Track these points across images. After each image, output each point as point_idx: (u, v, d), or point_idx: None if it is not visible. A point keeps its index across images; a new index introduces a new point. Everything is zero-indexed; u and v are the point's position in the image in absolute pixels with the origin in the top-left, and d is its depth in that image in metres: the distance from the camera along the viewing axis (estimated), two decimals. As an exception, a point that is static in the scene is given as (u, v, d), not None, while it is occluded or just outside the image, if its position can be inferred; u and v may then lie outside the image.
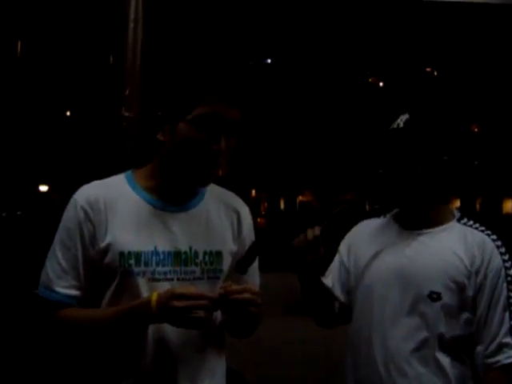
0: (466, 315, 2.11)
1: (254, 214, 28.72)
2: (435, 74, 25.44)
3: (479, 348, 2.10)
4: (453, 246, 2.14)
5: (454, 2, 3.94)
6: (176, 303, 1.64)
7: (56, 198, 25.17)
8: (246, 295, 1.71)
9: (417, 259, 2.14)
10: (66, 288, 1.80)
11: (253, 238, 1.99)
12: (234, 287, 1.71)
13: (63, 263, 1.80)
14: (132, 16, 3.30)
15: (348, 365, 2.26)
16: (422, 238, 2.18)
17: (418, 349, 2.09)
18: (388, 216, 2.35)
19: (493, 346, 2.07)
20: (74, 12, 18.98)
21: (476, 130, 25.78)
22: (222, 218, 1.94)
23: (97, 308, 1.82)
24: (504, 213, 26.61)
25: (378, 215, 2.40)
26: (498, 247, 2.13)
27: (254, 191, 29.57)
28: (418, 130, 2.12)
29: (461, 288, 2.10)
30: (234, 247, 1.94)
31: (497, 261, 2.10)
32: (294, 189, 28.55)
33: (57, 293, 1.80)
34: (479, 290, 2.09)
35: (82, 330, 1.80)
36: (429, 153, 2.12)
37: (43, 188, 27.75)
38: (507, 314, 2.07)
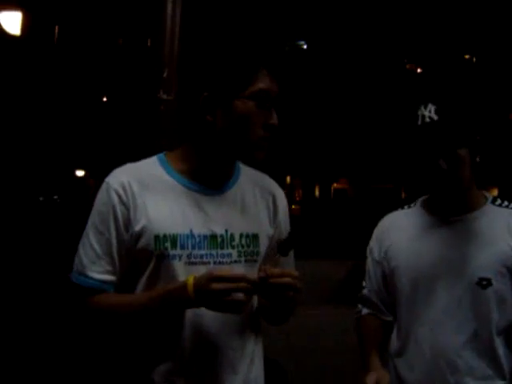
0: (507, 303, 2.04)
1: (289, 201, 28.68)
2: (474, 60, 25.07)
3: None
4: (495, 228, 2.09)
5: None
6: (215, 285, 1.59)
7: (92, 184, 25.48)
8: (287, 279, 1.66)
9: (460, 246, 2.08)
10: (100, 273, 1.76)
11: (288, 221, 1.97)
12: (275, 270, 1.66)
13: (97, 248, 1.77)
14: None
15: (392, 359, 2.20)
16: (459, 224, 2.12)
17: (471, 340, 2.03)
18: (415, 205, 2.28)
19: None
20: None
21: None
22: (257, 201, 1.91)
23: (131, 293, 1.79)
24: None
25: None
26: None
27: (288, 178, 29.54)
28: (453, 120, 2.04)
29: (510, 271, 2.03)
30: (270, 230, 1.91)
31: None
32: (329, 176, 28.44)
33: (91, 278, 1.76)
34: None
35: (117, 316, 1.77)
36: (466, 140, 2.05)
37: (80, 173, 28.11)
38: None
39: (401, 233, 2.23)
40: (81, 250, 1.79)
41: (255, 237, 1.85)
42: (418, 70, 25.51)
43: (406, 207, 2.31)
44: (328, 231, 18.51)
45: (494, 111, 22.28)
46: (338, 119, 24.63)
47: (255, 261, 1.85)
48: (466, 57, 25.02)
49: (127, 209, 1.75)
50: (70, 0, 19.82)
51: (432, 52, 23.52)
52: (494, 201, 2.16)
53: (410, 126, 2.05)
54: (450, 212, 2.14)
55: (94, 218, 1.79)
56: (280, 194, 1.97)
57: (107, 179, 1.80)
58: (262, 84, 1.75)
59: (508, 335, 2.05)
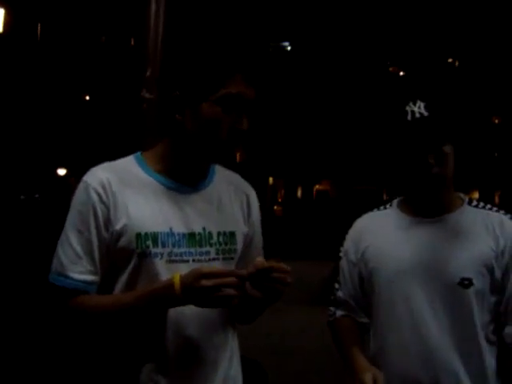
0: (494, 298, 2.06)
1: (271, 202, 28.77)
2: (456, 64, 25.23)
3: (508, 328, 2.06)
4: (474, 229, 2.09)
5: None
6: (204, 282, 1.59)
7: (74, 182, 25.33)
8: (278, 274, 1.66)
9: (440, 247, 2.08)
10: (81, 273, 1.74)
11: (259, 221, 1.99)
12: (267, 265, 1.66)
13: (77, 248, 1.74)
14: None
15: (371, 361, 2.16)
16: (438, 225, 2.12)
17: (454, 340, 2.04)
18: (391, 206, 2.27)
19: None
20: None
21: (496, 121, 25.57)
22: (232, 200, 1.92)
23: (114, 294, 1.77)
24: (523, 206, 26.46)
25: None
26: None
27: (271, 179, 29.57)
28: (442, 116, 2.05)
29: (490, 271, 2.04)
30: (245, 228, 1.92)
31: None
32: (311, 177, 28.50)
33: (71, 279, 1.74)
34: (506, 270, 2.05)
35: (100, 317, 1.75)
36: (453, 137, 2.07)
37: (61, 172, 27.94)
38: None
39: (378, 234, 2.21)
40: (60, 251, 1.76)
41: (232, 235, 1.87)
42: (401, 73, 25.62)
43: (381, 208, 2.30)
44: (310, 232, 18.58)
45: (477, 113, 22.42)
46: (321, 121, 24.69)
47: (232, 258, 1.86)
48: (449, 60, 25.17)
49: (107, 207, 1.74)
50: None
51: (415, 55, 23.64)
52: (470, 202, 2.17)
53: (399, 121, 2.05)
54: (429, 212, 2.14)
55: (73, 218, 1.77)
56: (253, 195, 1.99)
57: (85, 178, 1.79)
58: (233, 89, 1.73)
59: (491, 333, 2.06)
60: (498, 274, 2.04)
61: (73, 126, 22.56)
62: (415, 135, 2.01)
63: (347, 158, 25.30)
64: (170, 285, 1.64)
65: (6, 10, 11.10)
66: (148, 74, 3.27)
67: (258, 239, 2.01)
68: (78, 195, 1.78)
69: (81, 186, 1.78)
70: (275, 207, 27.89)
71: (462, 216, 2.12)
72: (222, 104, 1.73)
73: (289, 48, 25.73)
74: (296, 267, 2.17)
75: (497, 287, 2.05)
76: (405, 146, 2.03)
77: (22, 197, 20.76)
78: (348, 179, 27.27)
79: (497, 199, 26.14)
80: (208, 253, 1.81)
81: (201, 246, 1.80)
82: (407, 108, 2.04)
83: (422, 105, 2.04)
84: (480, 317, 2.04)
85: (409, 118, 2.03)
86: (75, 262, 1.74)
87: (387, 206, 2.28)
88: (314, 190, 29.73)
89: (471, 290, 2.03)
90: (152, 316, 1.72)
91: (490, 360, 2.06)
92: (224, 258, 1.84)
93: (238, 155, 27.07)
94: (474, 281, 2.02)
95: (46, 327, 5.42)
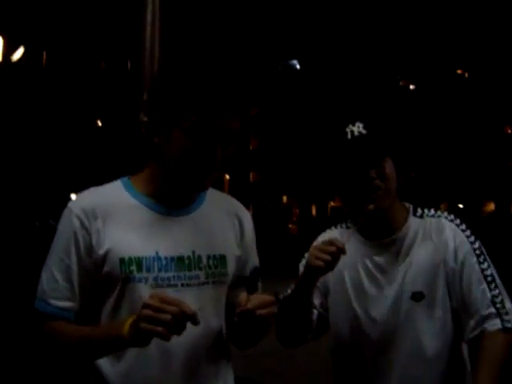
0: (448, 303, 2.13)
1: (286, 220, 28.69)
2: (466, 75, 25.16)
3: (466, 326, 2.11)
4: (420, 245, 2.17)
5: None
6: (146, 311, 1.51)
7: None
8: (265, 311, 1.63)
9: (388, 269, 2.17)
10: (59, 300, 1.73)
11: (254, 242, 1.96)
12: (250, 305, 1.62)
13: (56, 274, 1.74)
14: (149, 19, 3.27)
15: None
16: (391, 246, 2.19)
17: (422, 354, 2.11)
18: (346, 226, 2.33)
19: (476, 320, 2.08)
20: (89, 18, 19.16)
21: (509, 131, 25.43)
22: (223, 222, 1.89)
23: (82, 325, 1.75)
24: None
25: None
26: (457, 226, 2.18)
27: (285, 197, 29.50)
28: (379, 133, 2.17)
29: (439, 278, 2.12)
30: (237, 250, 1.89)
31: (460, 239, 2.15)
32: (325, 195, 28.40)
33: (49, 304, 1.74)
34: (453, 273, 2.12)
35: (67, 346, 1.73)
36: (391, 152, 2.17)
37: (75, 197, 28.05)
38: (485, 286, 2.10)
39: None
40: (43, 276, 1.77)
41: (222, 258, 1.83)
42: (411, 87, 25.59)
43: (339, 226, 2.35)
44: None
45: (488, 124, 22.36)
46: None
47: (223, 282, 1.83)
48: (459, 72, 25.13)
49: (89, 234, 1.73)
50: (52, 24, 19.84)
51: (425, 68, 23.64)
52: (414, 212, 2.24)
53: (340, 141, 2.16)
54: (380, 234, 2.20)
55: (55, 244, 1.77)
56: (246, 216, 1.96)
57: (70, 204, 1.79)
58: (204, 118, 1.68)
59: (452, 340, 2.14)
60: (447, 279, 2.12)
61: (86, 152, 22.68)
62: (355, 152, 2.10)
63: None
64: (122, 321, 1.59)
65: (3, 38, 11.14)
66: (145, 97, 3.28)
67: (253, 261, 1.97)
68: (61, 221, 1.78)
69: (65, 212, 1.78)
70: (290, 226, 27.79)
71: (409, 231, 2.19)
72: (189, 132, 1.69)
73: (298, 66, 25.77)
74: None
75: (449, 292, 2.12)
76: (347, 164, 2.11)
77: (36, 223, 20.85)
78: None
79: (513, 210, 25.91)
80: (197, 277, 1.78)
81: (190, 269, 1.77)
82: (347, 129, 2.14)
83: (361, 125, 2.14)
84: (441, 325, 2.12)
85: (349, 136, 2.13)
86: (54, 288, 1.73)
87: (343, 225, 2.35)
88: (329, 206, 29.62)
89: (424, 302, 2.11)
90: (108, 353, 1.68)
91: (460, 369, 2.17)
92: (214, 282, 1.80)
93: (251, 175, 27.11)
94: (425, 293, 2.11)
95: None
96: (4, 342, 6.84)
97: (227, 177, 22.91)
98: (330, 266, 1.97)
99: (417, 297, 2.10)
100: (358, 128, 2.15)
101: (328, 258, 1.95)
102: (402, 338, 2.12)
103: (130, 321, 1.56)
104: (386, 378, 2.14)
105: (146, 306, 1.52)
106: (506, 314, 2.08)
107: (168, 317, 1.49)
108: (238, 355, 2.03)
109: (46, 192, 22.55)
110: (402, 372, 2.12)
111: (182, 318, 1.51)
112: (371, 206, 2.08)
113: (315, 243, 2.29)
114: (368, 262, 2.19)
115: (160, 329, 1.49)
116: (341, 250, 1.96)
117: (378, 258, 2.18)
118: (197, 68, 1.77)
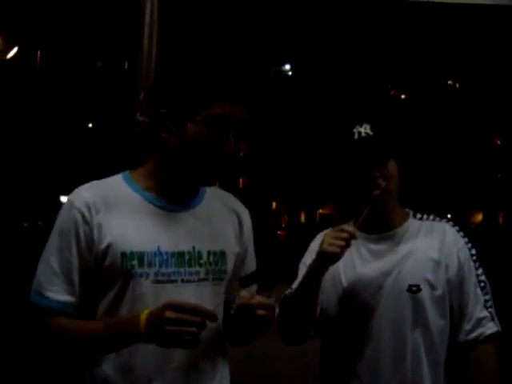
0: (443, 304, 2.18)
1: (275, 226, 28.61)
2: (457, 86, 25.27)
3: (459, 328, 2.18)
4: (421, 241, 2.24)
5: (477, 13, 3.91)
6: (169, 314, 1.54)
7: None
8: (262, 312, 1.64)
9: (384, 256, 2.23)
10: (57, 293, 1.71)
11: (252, 241, 1.97)
12: (253, 301, 1.64)
13: (55, 266, 1.71)
14: (147, 19, 3.27)
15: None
16: (390, 240, 2.26)
17: (420, 348, 2.15)
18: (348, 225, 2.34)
19: (472, 322, 2.17)
20: (87, 17, 19.08)
21: (499, 142, 25.53)
22: (223, 219, 1.89)
23: (88, 320, 1.73)
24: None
25: None
26: (458, 231, 2.28)
27: (274, 204, 29.47)
28: (385, 135, 2.25)
29: (439, 276, 2.18)
30: (236, 248, 1.89)
31: (460, 244, 2.24)
32: (314, 202, 28.41)
33: (47, 298, 1.71)
34: (455, 275, 2.19)
35: (70, 342, 1.71)
36: (396, 154, 2.25)
37: (64, 199, 27.91)
38: (479, 290, 2.21)
39: None
40: (39, 269, 1.74)
41: (222, 254, 1.83)
42: (402, 96, 25.65)
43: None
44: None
45: (478, 135, 22.44)
46: (324, 145, 24.67)
47: (222, 279, 1.83)
48: (449, 82, 25.22)
49: (90, 228, 1.71)
50: (47, 23, 19.74)
51: (415, 78, 23.71)
52: (415, 215, 2.34)
53: (347, 141, 2.24)
54: (380, 229, 2.27)
55: (54, 237, 1.75)
56: (245, 214, 1.96)
57: (70, 197, 1.77)
58: (219, 109, 1.71)
59: (449, 336, 2.20)
60: (444, 278, 2.18)
61: (76, 153, 22.57)
62: (362, 152, 2.18)
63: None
64: (136, 316, 1.59)
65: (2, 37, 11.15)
66: (141, 96, 3.27)
67: (251, 259, 1.98)
68: (61, 214, 1.75)
69: (65, 205, 1.75)
70: (279, 232, 27.75)
71: (409, 229, 2.28)
72: (207, 124, 1.71)
73: (290, 73, 25.80)
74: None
75: (445, 293, 2.18)
76: (352, 163, 2.19)
77: (25, 224, 20.72)
78: (351, 203, 27.18)
79: (501, 220, 26.01)
80: (197, 273, 1.77)
81: (190, 265, 1.76)
82: (354, 130, 2.22)
83: (368, 126, 2.22)
84: (436, 321, 2.17)
85: (356, 137, 2.21)
86: (52, 282, 1.71)
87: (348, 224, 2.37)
88: (318, 214, 29.62)
89: (420, 294, 2.15)
90: (119, 348, 1.67)
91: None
92: (214, 279, 1.80)
93: (240, 181, 27.05)
94: (422, 286, 2.16)
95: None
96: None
97: (217, 182, 22.83)
98: (342, 253, 2.05)
99: (413, 289, 2.16)
100: (365, 129, 2.24)
101: (342, 243, 2.02)
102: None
103: (145, 314, 1.58)
104: (376, 342, 2.17)
105: (166, 320, 1.53)
106: (495, 318, 2.21)
107: (194, 329, 1.53)
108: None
109: (35, 193, 22.43)
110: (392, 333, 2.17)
111: (204, 323, 1.55)
112: (376, 192, 2.16)
113: (313, 244, 2.37)
114: (363, 249, 2.27)
115: (188, 344, 1.55)
116: (352, 236, 2.04)
117: (373, 246, 2.27)
118: (209, 61, 1.78)
